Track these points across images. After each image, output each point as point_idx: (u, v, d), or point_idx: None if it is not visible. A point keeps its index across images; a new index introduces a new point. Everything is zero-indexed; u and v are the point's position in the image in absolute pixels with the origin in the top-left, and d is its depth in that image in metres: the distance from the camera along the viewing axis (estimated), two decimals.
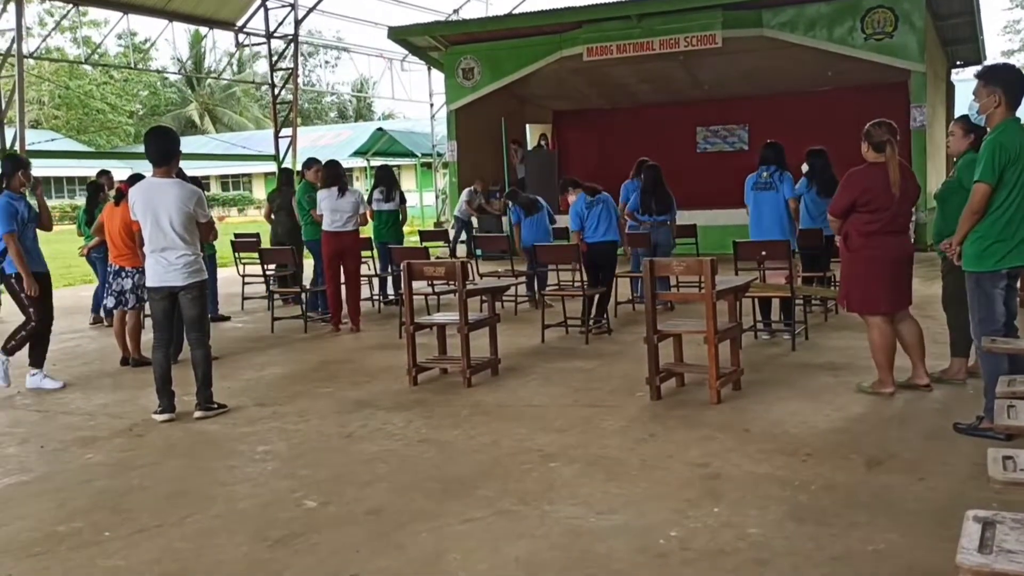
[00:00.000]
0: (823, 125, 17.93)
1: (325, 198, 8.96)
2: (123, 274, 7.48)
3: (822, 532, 3.54)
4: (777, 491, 4.01)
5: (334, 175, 9.15)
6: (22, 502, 4.34)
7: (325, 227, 8.96)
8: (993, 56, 40.69)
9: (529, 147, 20.18)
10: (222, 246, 10.19)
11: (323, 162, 9.63)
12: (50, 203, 46.52)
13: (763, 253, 7.29)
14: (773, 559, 3.31)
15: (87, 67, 42.73)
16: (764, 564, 3.27)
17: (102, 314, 10.18)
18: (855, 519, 3.65)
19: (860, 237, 5.46)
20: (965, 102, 21.70)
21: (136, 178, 7.17)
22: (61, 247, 26.32)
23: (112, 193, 12.48)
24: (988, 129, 4.62)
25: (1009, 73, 4.55)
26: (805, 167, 8.54)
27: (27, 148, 15.43)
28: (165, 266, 5.72)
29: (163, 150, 5.77)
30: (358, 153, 28.76)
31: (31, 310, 6.88)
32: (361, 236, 9.44)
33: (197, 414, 5.78)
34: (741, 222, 13.40)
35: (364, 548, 3.56)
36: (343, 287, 9.11)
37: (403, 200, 10.77)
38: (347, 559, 3.46)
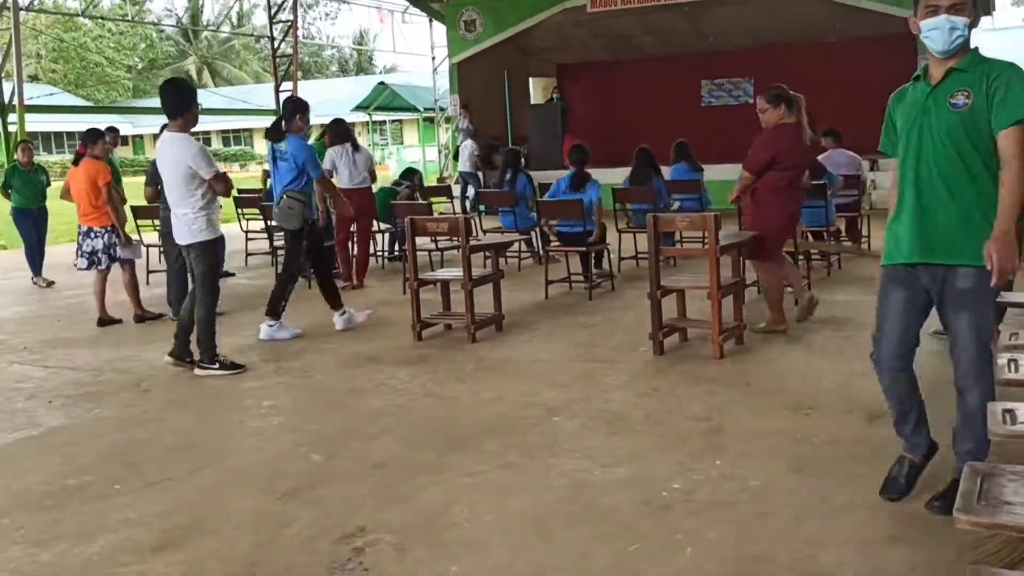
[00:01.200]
0: (829, 77, 17.79)
1: (340, 156, 8.93)
2: (92, 234, 7.47)
3: (824, 484, 3.59)
4: (779, 445, 4.06)
5: (345, 132, 9.15)
6: (32, 456, 4.41)
7: (342, 184, 8.77)
8: (1003, 5, 40.16)
9: (533, 101, 20.04)
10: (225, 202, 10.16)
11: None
12: (49, 159, 46.04)
13: None
14: (774, 511, 3.37)
15: (84, 19, 42.31)
16: (765, 516, 3.33)
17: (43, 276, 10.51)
18: (856, 472, 3.69)
19: (770, 193, 5.99)
20: None
21: (90, 133, 7.60)
22: (61, 203, 26.36)
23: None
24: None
25: None
26: None
27: (25, 103, 15.31)
28: (175, 223, 5.81)
29: (172, 104, 5.68)
30: (360, 108, 28.56)
31: (301, 260, 7.01)
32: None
33: (196, 371, 5.84)
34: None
35: (370, 500, 3.63)
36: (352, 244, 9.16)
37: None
38: (354, 511, 3.52)
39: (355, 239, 9.20)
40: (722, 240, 5.58)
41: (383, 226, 10.54)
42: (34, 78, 46.63)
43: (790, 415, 4.47)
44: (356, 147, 9.04)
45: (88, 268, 7.59)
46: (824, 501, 3.43)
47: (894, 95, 3.40)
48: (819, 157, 8.79)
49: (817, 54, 18.22)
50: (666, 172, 10.16)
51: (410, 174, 11.54)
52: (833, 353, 5.63)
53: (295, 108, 6.90)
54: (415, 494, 3.67)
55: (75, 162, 7.65)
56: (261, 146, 48.40)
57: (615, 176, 12.10)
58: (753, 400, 4.73)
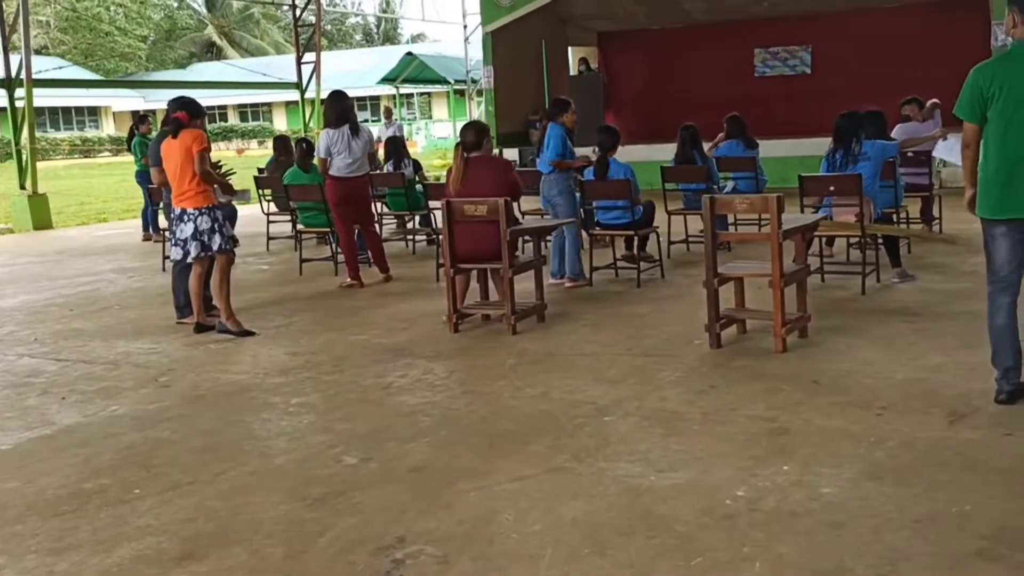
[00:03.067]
0: (894, 45, 17.49)
1: (336, 141, 8.16)
2: (185, 217, 6.58)
3: (902, 493, 3.50)
4: (851, 448, 3.97)
5: (343, 111, 8.33)
6: (46, 457, 4.42)
7: (334, 172, 8.23)
8: None
9: (573, 72, 19.89)
10: (246, 181, 10.16)
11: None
12: (57, 136, 46.59)
13: (831, 188, 7.15)
14: (849, 521, 3.29)
15: None
16: (840, 527, 3.25)
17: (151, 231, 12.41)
18: (937, 478, 3.61)
19: None
20: None
21: (180, 102, 6.65)
22: (72, 183, 26.66)
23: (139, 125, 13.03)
24: None
25: None
26: None
27: (34, 77, 15.42)
28: None
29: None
30: (386, 80, 28.61)
31: None
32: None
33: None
34: (804, 152, 13.17)
35: (409, 508, 3.59)
36: (357, 236, 8.68)
37: (417, 168, 10.85)
38: (392, 519, 3.49)
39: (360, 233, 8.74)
40: (785, 224, 5.47)
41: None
42: (42, 49, 47.16)
43: (862, 415, 4.38)
44: (355, 130, 8.24)
45: (181, 259, 6.70)
46: (903, 511, 3.35)
47: None
48: (895, 129, 8.61)
49: (881, 19, 17.88)
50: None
51: (396, 150, 11.06)
52: (905, 346, 5.52)
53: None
54: (457, 501, 3.64)
55: (174, 133, 6.55)
56: (281, 121, 48.69)
57: (663, 153, 11.96)
58: (820, 398, 4.64)
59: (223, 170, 6.99)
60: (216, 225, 6.57)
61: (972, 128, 4.37)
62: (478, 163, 6.63)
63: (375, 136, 9.01)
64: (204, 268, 6.67)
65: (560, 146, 7.80)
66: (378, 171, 10.02)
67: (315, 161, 8.96)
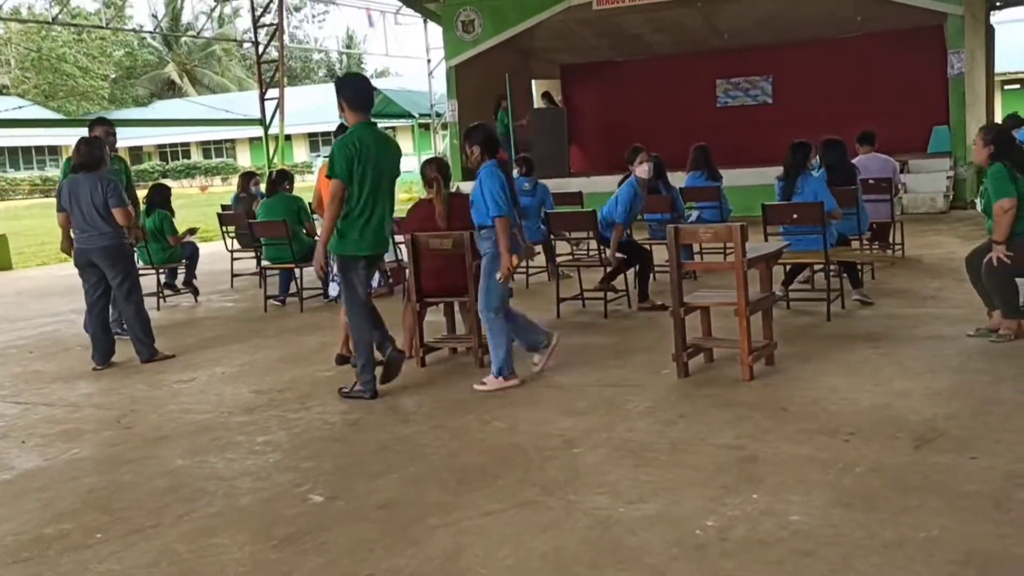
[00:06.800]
0: (853, 74, 17.82)
1: None
2: None
3: (871, 518, 3.51)
4: (820, 475, 3.98)
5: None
6: (5, 503, 4.34)
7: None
8: None
9: (536, 105, 20.03)
10: (209, 219, 10.12)
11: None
12: (17, 175, 46.26)
13: (794, 216, 7.22)
14: (819, 549, 3.29)
15: (57, 27, 42.53)
16: (810, 555, 3.25)
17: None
18: (905, 503, 3.63)
19: None
20: (1006, 46, 21.48)
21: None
22: (32, 223, 26.36)
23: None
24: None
25: None
26: (815, 160, 8.36)
27: None
28: None
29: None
30: None
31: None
32: None
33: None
34: (767, 181, 13.28)
35: (377, 546, 3.55)
36: None
37: None
38: (360, 558, 3.45)
39: None
40: (749, 252, 5.52)
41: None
42: (3, 89, 46.82)
43: (829, 441, 4.40)
44: None
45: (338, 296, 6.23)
46: (872, 537, 3.36)
47: None
48: (853, 161, 8.75)
49: (840, 49, 18.22)
50: (680, 179, 10.08)
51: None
52: (871, 372, 5.56)
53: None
54: (426, 537, 3.60)
55: None
56: (245, 158, 48.54)
57: None
58: (788, 426, 4.66)
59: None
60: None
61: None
62: (456, 199, 6.51)
63: None
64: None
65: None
66: None
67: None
